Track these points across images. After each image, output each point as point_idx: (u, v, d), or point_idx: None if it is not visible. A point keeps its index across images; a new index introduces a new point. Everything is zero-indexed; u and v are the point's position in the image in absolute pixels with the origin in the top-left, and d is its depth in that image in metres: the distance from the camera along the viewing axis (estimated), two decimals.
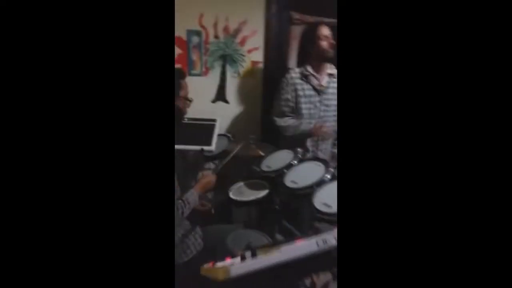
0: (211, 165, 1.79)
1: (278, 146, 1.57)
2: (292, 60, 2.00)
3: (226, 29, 1.74)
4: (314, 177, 1.08)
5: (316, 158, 1.25)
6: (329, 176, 1.07)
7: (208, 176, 1.15)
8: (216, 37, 1.73)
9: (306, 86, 1.55)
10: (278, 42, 1.93)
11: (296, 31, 1.99)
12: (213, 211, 1.20)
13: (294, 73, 1.55)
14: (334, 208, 0.89)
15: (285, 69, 1.96)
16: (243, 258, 0.60)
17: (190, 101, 1.10)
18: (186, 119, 1.49)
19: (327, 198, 0.94)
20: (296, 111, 1.57)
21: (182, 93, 1.03)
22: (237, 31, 1.77)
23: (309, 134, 1.54)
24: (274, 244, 0.65)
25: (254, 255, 0.59)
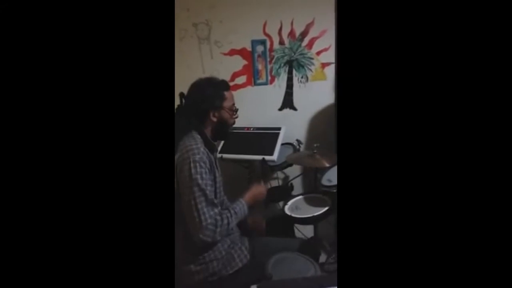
0: (278, 174, 1.74)
1: None
2: None
3: (291, 33, 1.67)
4: None
5: None
6: None
7: (259, 187, 1.09)
8: (281, 43, 1.67)
9: None
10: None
11: None
12: (264, 226, 1.14)
13: None
14: None
15: None
16: None
17: (236, 111, 1.07)
18: (248, 129, 1.49)
19: None
20: None
21: (225, 104, 1.02)
22: (303, 34, 1.67)
23: None
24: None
25: None
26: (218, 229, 0.90)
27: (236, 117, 1.07)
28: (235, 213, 0.98)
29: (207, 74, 1.08)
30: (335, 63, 1.73)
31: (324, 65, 1.73)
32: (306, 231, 1.61)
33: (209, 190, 0.90)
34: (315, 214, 1.08)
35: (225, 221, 0.94)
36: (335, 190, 1.07)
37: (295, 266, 0.90)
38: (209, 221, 0.89)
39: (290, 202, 1.22)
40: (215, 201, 0.93)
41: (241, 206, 1.01)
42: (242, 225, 1.09)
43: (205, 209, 0.88)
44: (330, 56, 1.72)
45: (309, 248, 1.31)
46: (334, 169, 1.22)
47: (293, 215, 1.13)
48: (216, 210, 0.91)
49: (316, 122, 1.81)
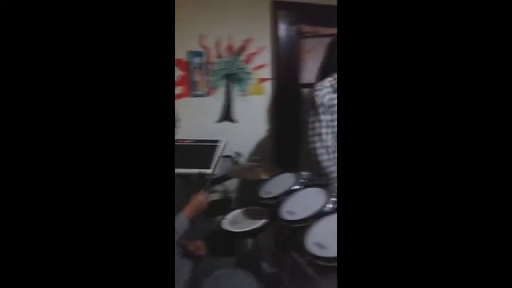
0: (218, 188, 1.69)
1: (289, 168, 1.43)
2: (307, 74, 1.88)
3: (229, 47, 1.69)
4: (312, 207, 0.91)
5: (317, 184, 1.08)
6: (330, 206, 0.90)
7: (198, 196, 1.06)
8: (219, 56, 1.68)
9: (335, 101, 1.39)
10: (288, 57, 1.83)
11: (308, 45, 1.88)
12: (204, 248, 1.09)
13: (326, 87, 1.37)
14: (329, 251, 0.71)
15: (302, 85, 1.85)
16: None
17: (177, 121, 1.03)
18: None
19: (322, 236, 0.77)
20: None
21: None
22: (241, 49, 1.71)
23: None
24: None
25: None
26: None
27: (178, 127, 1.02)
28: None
29: None
30: (272, 79, 1.80)
31: (262, 80, 1.78)
32: (246, 245, 1.59)
33: None
34: (254, 227, 1.08)
35: None
36: (273, 202, 1.08)
37: (232, 282, 0.87)
38: None
39: (228, 217, 1.19)
40: None
41: (181, 221, 0.95)
42: (182, 248, 1.02)
43: None
44: (267, 72, 1.79)
45: (249, 261, 1.29)
46: (273, 181, 1.24)
47: (232, 229, 1.10)
48: None
49: (256, 135, 1.84)
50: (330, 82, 1.41)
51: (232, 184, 1.68)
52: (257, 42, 1.73)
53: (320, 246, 0.74)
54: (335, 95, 1.39)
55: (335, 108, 1.39)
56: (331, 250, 0.71)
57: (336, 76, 1.41)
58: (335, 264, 0.68)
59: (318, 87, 1.41)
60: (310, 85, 1.48)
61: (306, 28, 1.82)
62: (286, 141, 1.90)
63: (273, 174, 1.30)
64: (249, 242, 1.49)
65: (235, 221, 1.16)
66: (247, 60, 1.73)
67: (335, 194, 0.94)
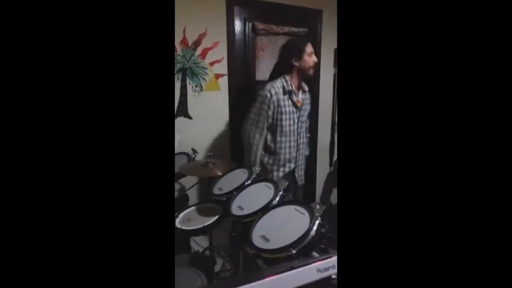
0: (174, 185, 1.66)
1: (244, 164, 1.46)
2: (260, 72, 1.91)
3: (183, 41, 1.65)
4: (261, 202, 0.95)
5: (267, 179, 1.12)
6: (277, 199, 0.94)
7: None
8: (174, 50, 1.63)
9: (288, 102, 1.48)
10: (243, 53, 1.84)
11: (262, 42, 1.91)
12: None
13: (277, 88, 1.45)
14: (271, 243, 0.75)
15: (256, 82, 1.88)
16: None
17: None
18: None
19: (266, 229, 0.81)
20: (275, 127, 1.49)
21: None
22: (196, 43, 1.68)
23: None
24: None
25: None
26: None
27: None
28: None
29: None
30: (228, 75, 1.80)
31: (217, 76, 1.78)
32: (202, 242, 1.59)
33: None
34: (206, 224, 1.08)
35: None
36: (225, 198, 1.10)
37: (181, 281, 0.87)
38: None
39: (181, 215, 1.18)
40: None
41: None
42: None
43: None
44: (223, 67, 1.78)
45: (202, 259, 1.29)
46: (225, 178, 1.25)
47: (183, 227, 1.09)
48: None
49: (212, 131, 1.84)
50: (281, 81, 1.47)
51: (189, 181, 1.67)
52: (212, 37, 1.71)
53: (265, 239, 0.78)
54: (284, 96, 1.46)
55: (283, 108, 1.46)
56: (273, 242, 0.75)
57: (287, 77, 1.48)
58: (278, 255, 0.72)
59: (267, 86, 1.46)
60: (265, 83, 1.52)
61: (261, 26, 1.85)
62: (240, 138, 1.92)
63: (228, 171, 1.32)
64: (203, 239, 1.49)
65: (188, 219, 1.15)
66: (202, 55, 1.71)
67: (283, 188, 0.99)
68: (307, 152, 1.69)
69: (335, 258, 0.52)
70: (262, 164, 1.51)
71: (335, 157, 2.31)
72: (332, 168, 2.31)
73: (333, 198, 2.40)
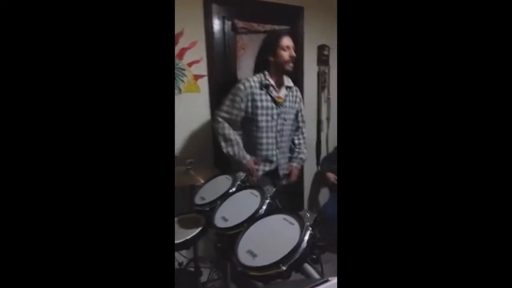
0: None
1: (227, 170, 1.38)
2: (242, 71, 1.84)
3: None
4: (247, 211, 0.88)
5: (252, 186, 1.05)
6: (264, 208, 0.87)
7: None
8: None
9: (265, 97, 1.42)
10: (223, 53, 1.76)
11: (244, 40, 1.84)
12: None
13: (253, 81, 1.41)
14: (259, 259, 0.68)
15: (237, 80, 1.81)
16: None
17: None
18: None
19: (253, 243, 0.74)
20: (250, 122, 1.44)
21: None
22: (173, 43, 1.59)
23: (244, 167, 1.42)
24: None
25: None
26: None
27: None
28: None
29: None
30: (207, 75, 1.72)
31: (196, 77, 1.69)
32: (187, 253, 1.50)
33: None
34: (188, 237, 1.00)
35: None
36: (208, 208, 1.02)
37: None
38: None
39: None
40: None
41: None
42: None
43: None
44: (202, 68, 1.70)
45: (186, 272, 1.20)
46: (208, 186, 1.17)
47: None
48: None
49: (192, 136, 1.74)
50: (258, 76, 1.42)
51: None
52: (190, 36, 1.62)
53: (252, 254, 0.70)
54: (260, 90, 1.40)
55: (258, 103, 1.41)
56: (261, 257, 0.68)
57: (266, 72, 1.43)
58: (267, 273, 0.65)
59: (244, 79, 1.42)
60: None
61: (241, 24, 1.78)
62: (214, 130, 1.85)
63: (211, 178, 1.24)
64: (188, 251, 1.40)
65: None
66: (180, 55, 1.62)
67: (270, 195, 0.92)
68: (303, 156, 1.62)
69: (333, 281, 0.46)
70: (244, 159, 1.44)
71: (321, 156, 2.28)
72: (319, 167, 2.27)
73: (321, 197, 2.36)
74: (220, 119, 1.44)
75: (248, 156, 1.44)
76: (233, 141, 1.43)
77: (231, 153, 1.43)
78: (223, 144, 1.44)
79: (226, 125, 1.43)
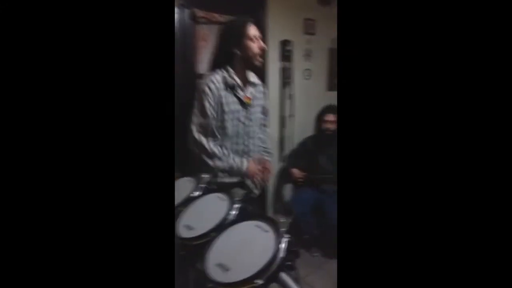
0: None
1: (189, 171, 1.25)
2: (203, 65, 1.73)
3: None
4: (214, 218, 0.79)
5: (218, 189, 0.95)
6: (233, 213, 0.80)
7: None
8: None
9: (232, 99, 1.17)
10: (181, 44, 1.63)
11: (204, 32, 1.72)
12: None
13: (217, 82, 1.16)
14: (232, 273, 0.61)
15: (197, 76, 1.68)
16: None
17: None
18: None
19: (224, 255, 0.66)
20: (219, 130, 1.20)
21: None
22: None
23: (244, 174, 1.21)
24: None
25: None
26: None
27: None
28: None
29: None
30: None
31: None
32: None
33: None
34: None
35: None
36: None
37: None
38: None
39: None
40: None
41: None
42: None
43: None
44: None
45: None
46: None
47: None
48: None
49: None
50: (221, 74, 1.19)
51: None
52: None
53: (223, 268, 0.63)
54: (226, 91, 1.19)
55: (225, 107, 1.19)
56: (234, 271, 0.61)
57: (229, 68, 1.25)
58: None
59: (206, 80, 1.19)
60: (204, 76, 1.30)
61: (200, 13, 1.66)
62: (184, 140, 1.62)
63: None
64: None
65: None
66: None
67: (239, 199, 0.85)
68: (270, 150, 1.40)
69: None
70: (243, 165, 1.22)
71: (284, 153, 2.27)
72: (284, 163, 2.26)
73: (285, 192, 2.36)
74: (195, 135, 1.19)
75: (244, 161, 1.21)
76: (218, 153, 1.19)
77: (222, 167, 1.20)
78: (209, 161, 1.19)
79: (203, 138, 1.18)
